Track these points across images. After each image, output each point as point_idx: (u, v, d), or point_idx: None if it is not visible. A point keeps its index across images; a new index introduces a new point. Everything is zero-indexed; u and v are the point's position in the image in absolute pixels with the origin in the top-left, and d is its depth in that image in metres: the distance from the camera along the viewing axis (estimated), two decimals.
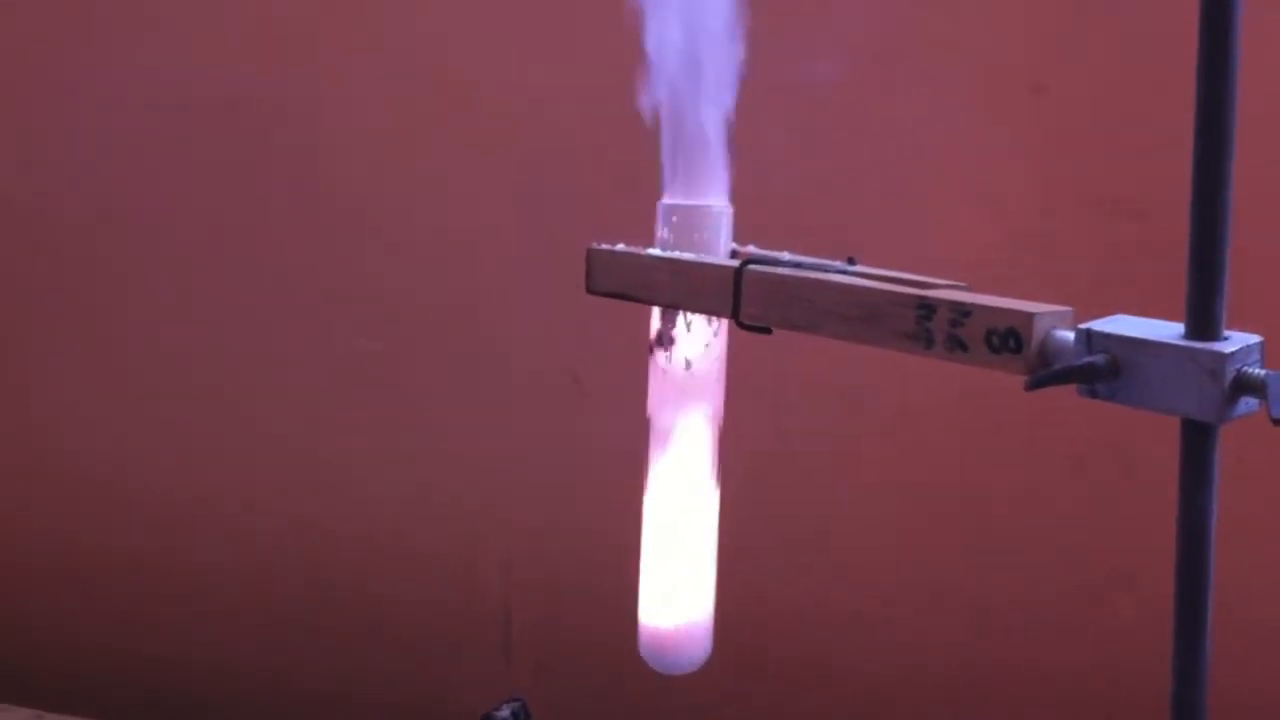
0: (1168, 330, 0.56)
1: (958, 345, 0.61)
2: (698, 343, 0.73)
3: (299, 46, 1.28)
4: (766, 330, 0.69)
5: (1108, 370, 0.56)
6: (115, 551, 1.40)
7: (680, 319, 0.73)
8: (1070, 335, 0.58)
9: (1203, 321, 0.54)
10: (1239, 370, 0.54)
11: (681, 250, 0.72)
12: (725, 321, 0.72)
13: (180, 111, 1.32)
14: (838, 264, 0.69)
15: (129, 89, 1.33)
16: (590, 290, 0.74)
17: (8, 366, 1.42)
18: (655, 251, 0.72)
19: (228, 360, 1.34)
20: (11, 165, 1.39)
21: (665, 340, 0.73)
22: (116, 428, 1.38)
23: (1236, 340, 0.55)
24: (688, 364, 0.73)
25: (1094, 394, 0.57)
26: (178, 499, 1.37)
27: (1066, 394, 0.59)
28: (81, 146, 1.36)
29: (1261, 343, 0.55)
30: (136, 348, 1.37)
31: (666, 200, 0.73)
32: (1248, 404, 0.54)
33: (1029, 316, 0.58)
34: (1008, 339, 0.59)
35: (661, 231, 0.73)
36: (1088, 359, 0.56)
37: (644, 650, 0.75)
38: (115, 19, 1.33)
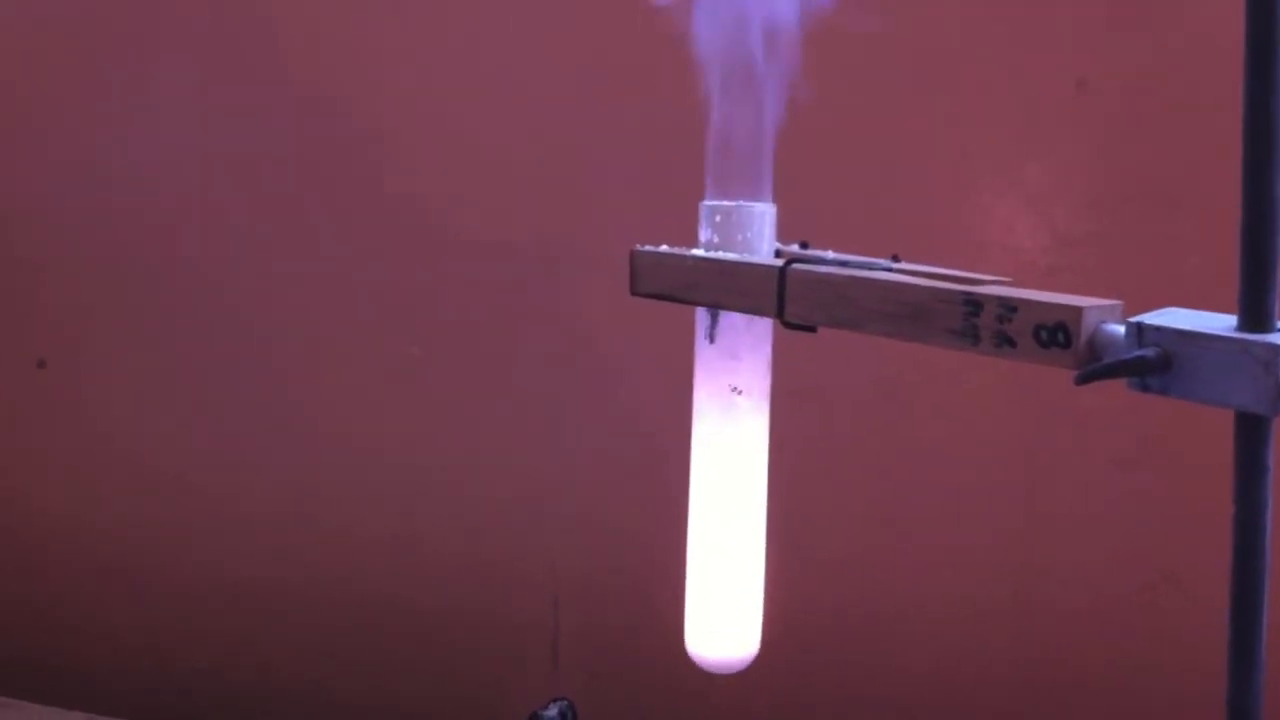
0: (1220, 323, 0.55)
1: (1005, 341, 0.60)
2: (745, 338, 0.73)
3: (348, 73, 1.29)
4: (811, 329, 0.68)
5: (1159, 363, 0.55)
6: (165, 559, 1.41)
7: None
8: (1120, 329, 0.57)
9: (1256, 313, 0.53)
10: None
11: (725, 250, 0.72)
12: (770, 321, 0.72)
13: (234, 129, 1.33)
14: (882, 262, 0.68)
15: (186, 105, 1.35)
16: (635, 292, 0.74)
17: (65, 375, 1.43)
18: (699, 252, 0.72)
19: (275, 371, 1.35)
20: (79, 174, 1.41)
21: (713, 335, 0.73)
22: (165, 436, 1.40)
23: None
24: (736, 360, 0.73)
25: (1145, 388, 0.56)
26: (227, 508, 1.38)
27: (1117, 393, 0.58)
28: (132, 160, 1.38)
29: None
30: (188, 360, 1.38)
31: (709, 201, 0.73)
32: None
33: (1077, 310, 0.57)
34: (1056, 333, 0.58)
35: (704, 232, 0.73)
36: (1138, 352, 0.55)
37: (691, 649, 0.75)
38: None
